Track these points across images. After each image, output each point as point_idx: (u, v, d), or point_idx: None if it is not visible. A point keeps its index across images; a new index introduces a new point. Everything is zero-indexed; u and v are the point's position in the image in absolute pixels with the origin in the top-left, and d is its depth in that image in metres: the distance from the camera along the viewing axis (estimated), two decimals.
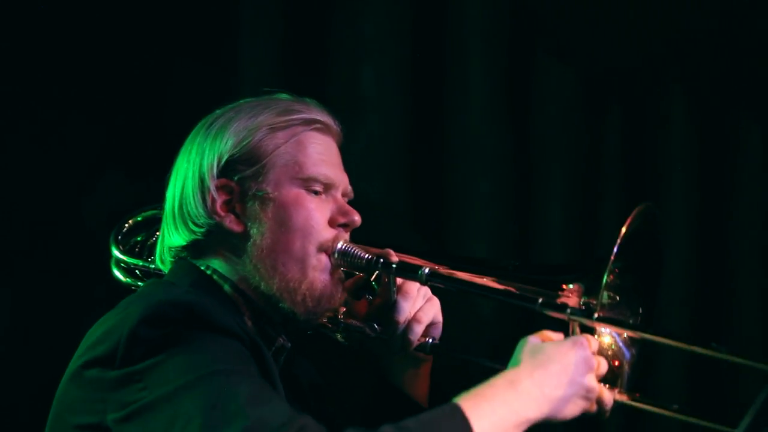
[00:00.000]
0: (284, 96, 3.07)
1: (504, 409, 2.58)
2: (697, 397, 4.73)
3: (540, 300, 2.82)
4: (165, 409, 2.55)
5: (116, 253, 3.42)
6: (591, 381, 2.68)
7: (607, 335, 2.95)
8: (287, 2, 4.37)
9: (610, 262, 2.81)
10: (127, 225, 3.46)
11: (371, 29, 4.47)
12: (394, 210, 3.86)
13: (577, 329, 2.77)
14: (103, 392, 2.64)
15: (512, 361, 2.68)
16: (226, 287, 2.94)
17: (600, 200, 4.78)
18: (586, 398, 2.69)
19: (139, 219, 3.47)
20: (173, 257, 3.02)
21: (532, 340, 2.70)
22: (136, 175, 4.10)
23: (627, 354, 2.96)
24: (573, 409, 2.67)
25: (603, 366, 2.72)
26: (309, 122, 3.00)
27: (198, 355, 2.61)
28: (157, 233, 3.15)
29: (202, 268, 2.95)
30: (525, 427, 2.61)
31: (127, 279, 3.42)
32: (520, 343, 2.70)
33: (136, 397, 2.59)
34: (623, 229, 2.85)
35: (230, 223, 2.93)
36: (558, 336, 2.74)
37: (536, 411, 2.61)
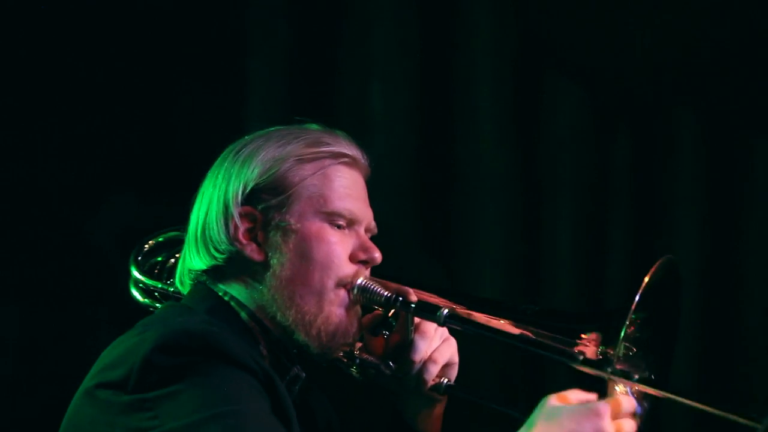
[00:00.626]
0: (314, 126, 3.06)
1: None
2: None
3: (581, 357, 2.79)
4: None
5: (135, 273, 3.40)
6: None
7: (620, 386, 2.92)
8: (295, 21, 4.35)
9: (630, 313, 2.78)
10: (147, 245, 3.44)
11: (379, 49, 4.44)
12: (402, 231, 3.84)
13: (615, 388, 2.74)
14: (113, 415, 2.63)
15: (528, 422, 2.60)
16: (243, 315, 2.92)
17: (609, 223, 4.73)
18: None
19: (160, 239, 3.45)
20: (192, 280, 3.02)
21: (551, 402, 2.61)
22: (144, 196, 4.11)
23: (638, 408, 2.93)
24: None
25: (626, 428, 2.64)
26: (337, 156, 2.99)
27: (211, 390, 2.60)
28: (177, 255, 3.14)
29: (220, 294, 2.94)
30: None
31: (145, 300, 3.40)
32: (540, 403, 2.63)
33: (145, 426, 2.59)
34: (645, 279, 2.82)
35: (251, 251, 2.92)
36: (580, 397, 2.66)
37: None
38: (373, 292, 2.96)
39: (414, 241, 4.42)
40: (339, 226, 2.95)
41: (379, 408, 3.22)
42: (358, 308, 2.98)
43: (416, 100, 4.50)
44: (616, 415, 2.60)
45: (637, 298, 2.78)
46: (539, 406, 2.62)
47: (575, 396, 2.64)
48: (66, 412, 2.81)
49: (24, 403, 4.03)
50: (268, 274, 2.91)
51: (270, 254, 2.91)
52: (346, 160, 3.01)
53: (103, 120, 4.12)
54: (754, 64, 4.57)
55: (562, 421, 2.56)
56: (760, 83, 4.59)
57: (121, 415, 2.62)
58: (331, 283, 2.91)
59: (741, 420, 2.59)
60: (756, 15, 4.52)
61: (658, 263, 2.86)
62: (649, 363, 2.97)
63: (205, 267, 2.97)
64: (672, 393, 2.72)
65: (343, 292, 2.94)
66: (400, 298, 2.98)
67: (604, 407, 2.57)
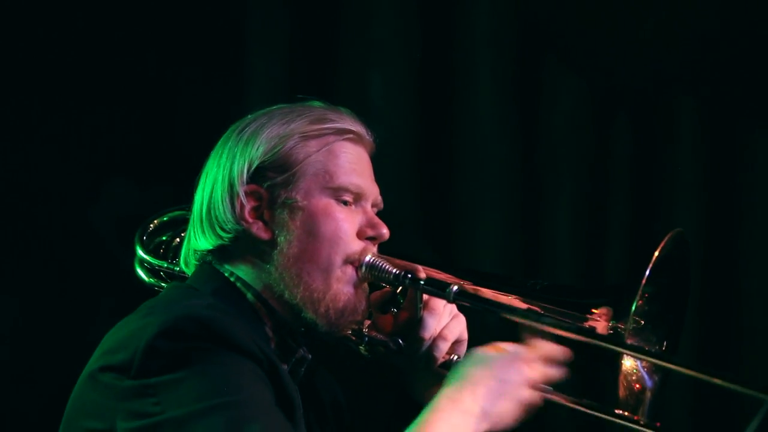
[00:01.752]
0: (317, 104, 3.01)
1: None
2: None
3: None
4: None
5: (140, 252, 3.36)
6: (525, 394, 2.69)
7: (629, 359, 2.89)
8: (295, 11, 4.31)
9: (641, 288, 2.75)
10: (152, 225, 3.40)
11: (379, 39, 4.41)
12: (402, 219, 3.84)
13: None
14: (116, 400, 2.60)
15: (458, 369, 2.73)
16: (249, 295, 2.88)
17: (607, 213, 4.70)
18: (521, 410, 2.70)
19: (165, 219, 3.41)
20: (198, 260, 2.97)
21: (479, 350, 2.75)
22: (143, 183, 4.08)
23: (649, 382, 2.91)
24: (510, 419, 2.69)
25: (541, 374, 2.73)
26: (341, 132, 2.94)
27: (213, 379, 2.56)
28: (183, 234, 3.08)
29: (226, 274, 2.90)
30: None
31: (150, 279, 3.36)
32: (469, 356, 2.75)
33: (149, 411, 2.55)
34: (655, 253, 2.78)
35: (258, 230, 2.87)
36: (507, 347, 2.76)
37: (478, 427, 2.65)
38: (382, 269, 2.91)
39: (414, 230, 4.39)
40: (345, 203, 2.91)
41: (386, 386, 3.19)
42: (366, 285, 2.94)
43: (416, 89, 4.47)
44: (539, 360, 2.73)
45: (647, 272, 2.75)
46: (468, 355, 2.76)
47: (502, 346, 2.75)
48: (70, 396, 2.77)
49: (24, 392, 4.01)
50: (275, 252, 2.86)
51: (277, 232, 2.86)
52: (350, 136, 2.96)
53: (102, 108, 4.10)
54: (754, 53, 4.55)
55: (490, 366, 2.69)
56: (758, 72, 4.57)
57: (124, 399, 2.58)
58: (338, 260, 2.87)
59: (751, 392, 2.56)
60: (755, 5, 4.47)
61: (667, 237, 2.83)
62: (659, 336, 2.94)
63: (210, 247, 2.91)
64: (683, 366, 2.69)
65: (351, 269, 2.89)
66: (409, 275, 2.93)
67: (527, 351, 2.73)
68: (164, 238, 3.40)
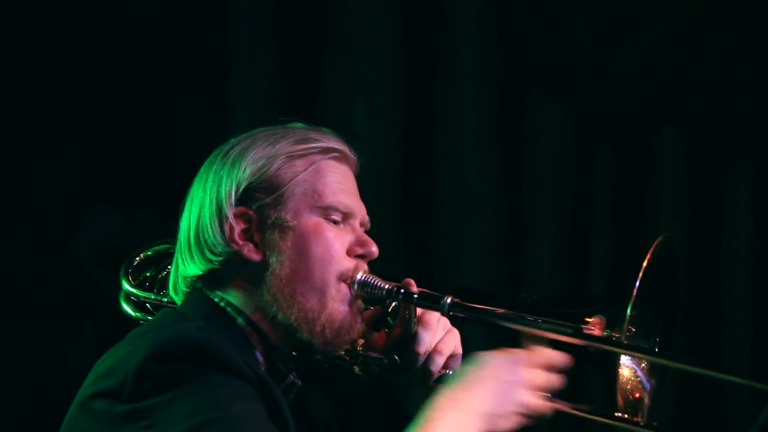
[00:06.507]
0: (299, 125, 2.93)
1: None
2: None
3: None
4: None
5: (126, 286, 3.23)
6: (525, 397, 2.62)
7: (627, 368, 2.82)
8: (280, 38, 4.25)
9: (633, 296, 2.67)
10: (137, 259, 3.27)
11: (364, 66, 4.36)
12: (384, 247, 3.81)
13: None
14: (110, 426, 2.48)
15: (460, 371, 2.66)
16: (240, 320, 2.76)
17: (590, 240, 4.66)
18: (521, 413, 2.62)
19: (149, 253, 3.28)
20: (188, 287, 2.84)
21: (480, 354, 2.67)
22: (127, 209, 3.99)
23: (647, 385, 2.83)
24: (508, 423, 2.61)
25: (541, 378, 2.65)
26: (327, 150, 2.86)
27: (205, 397, 2.45)
28: (168, 267, 2.98)
29: (216, 299, 2.78)
30: None
31: (137, 313, 3.22)
32: (469, 359, 2.67)
33: None
34: (644, 262, 2.71)
35: (248, 251, 2.76)
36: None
37: (476, 427, 2.56)
38: (374, 286, 2.82)
39: (396, 255, 4.30)
40: (335, 222, 2.82)
41: (381, 406, 3.07)
42: (360, 303, 2.83)
43: (400, 118, 4.42)
44: (539, 366, 2.66)
45: (637, 282, 2.68)
46: (469, 359, 2.68)
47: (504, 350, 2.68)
48: (61, 426, 2.65)
49: (6, 416, 3.86)
50: (268, 273, 2.75)
51: (268, 253, 2.76)
52: (335, 154, 2.87)
53: (86, 133, 4.01)
54: (735, 84, 4.55)
55: (491, 367, 2.62)
56: (740, 103, 4.56)
57: (116, 425, 2.47)
58: (332, 279, 2.77)
59: (757, 385, 2.50)
60: (735, 37, 4.49)
61: (655, 244, 2.76)
62: (651, 344, 2.86)
63: (200, 272, 2.80)
64: (683, 363, 2.62)
65: (344, 287, 2.79)
66: (402, 290, 2.84)
67: (527, 356, 2.66)
68: (149, 273, 3.28)
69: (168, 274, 2.97)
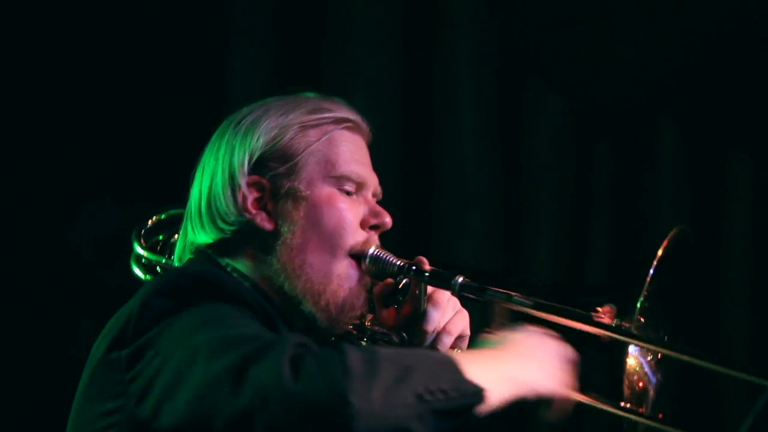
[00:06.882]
0: (311, 94, 2.91)
1: (492, 363, 2.45)
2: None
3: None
4: (174, 362, 2.35)
5: (138, 248, 3.22)
6: (557, 365, 2.56)
7: (633, 357, 2.79)
8: (279, 33, 4.23)
9: (645, 285, 2.65)
10: (150, 222, 3.26)
11: (362, 61, 4.34)
12: (382, 243, 3.82)
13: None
14: (121, 373, 2.43)
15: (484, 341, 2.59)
16: (247, 284, 2.73)
17: (589, 234, 4.64)
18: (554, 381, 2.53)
19: (162, 217, 3.27)
20: (193, 254, 2.82)
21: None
22: (124, 200, 3.97)
23: (653, 378, 2.81)
24: (540, 386, 2.50)
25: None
26: (340, 120, 2.84)
27: (206, 314, 2.41)
28: (178, 233, 2.96)
29: (222, 264, 2.76)
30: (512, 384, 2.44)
31: (147, 276, 3.21)
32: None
33: (150, 366, 2.38)
34: (659, 252, 2.69)
35: (261, 220, 2.74)
36: None
37: (505, 385, 2.43)
38: (385, 261, 2.80)
39: (394, 250, 4.26)
40: (348, 192, 2.80)
41: None
42: (368, 279, 2.81)
43: (398, 112, 4.39)
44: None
45: (651, 271, 2.66)
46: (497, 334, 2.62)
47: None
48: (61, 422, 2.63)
49: (6, 415, 3.85)
50: (279, 242, 2.73)
51: (280, 222, 2.73)
52: (348, 125, 2.85)
53: (83, 126, 3.99)
54: (734, 76, 4.52)
55: (521, 337, 2.57)
56: (739, 96, 4.54)
57: (128, 369, 2.42)
58: (341, 251, 2.75)
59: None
60: (736, 29, 4.45)
61: (670, 235, 2.74)
62: (662, 335, 2.83)
63: (210, 241, 2.77)
64: (691, 355, 2.60)
65: (353, 262, 2.77)
66: (414, 267, 2.82)
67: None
68: (161, 237, 3.27)
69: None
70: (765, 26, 4.46)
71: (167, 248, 3.24)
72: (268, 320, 2.55)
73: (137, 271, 3.23)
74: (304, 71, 4.25)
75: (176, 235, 3.19)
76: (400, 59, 4.40)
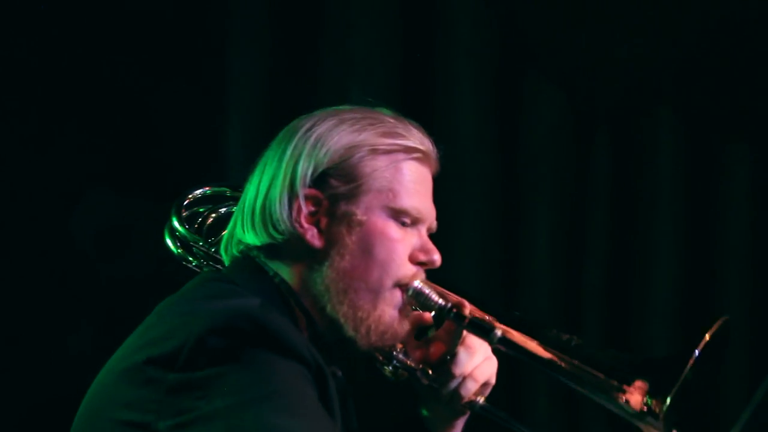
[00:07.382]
0: (387, 112, 2.82)
1: None
2: None
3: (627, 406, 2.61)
4: (219, 424, 2.33)
5: (174, 222, 3.15)
6: None
7: None
8: (276, 25, 4.16)
9: (686, 370, 2.60)
10: (192, 197, 3.20)
11: (360, 52, 4.26)
12: None
13: None
14: (160, 394, 2.39)
15: None
16: (291, 301, 2.69)
17: (587, 226, 4.62)
18: None
19: (208, 192, 3.21)
20: (240, 252, 2.76)
21: None
22: (122, 191, 3.91)
23: None
24: None
25: None
26: (410, 150, 2.75)
27: (262, 373, 2.38)
28: (221, 211, 3.01)
29: (271, 273, 2.70)
30: None
31: (179, 251, 3.14)
32: None
33: (193, 406, 2.35)
34: (706, 337, 2.64)
35: (311, 237, 2.67)
36: None
37: None
38: (428, 298, 2.74)
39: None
40: (404, 224, 2.73)
41: (399, 407, 3.03)
42: (410, 310, 2.76)
43: (397, 104, 4.30)
44: None
45: (696, 353, 2.61)
46: None
47: None
48: (90, 390, 2.59)
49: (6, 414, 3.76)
50: (326, 263, 2.67)
51: (330, 243, 2.67)
52: (418, 155, 2.77)
53: (81, 118, 3.91)
54: (733, 67, 4.49)
55: None
56: (737, 86, 4.52)
57: (168, 394, 2.38)
58: (389, 283, 2.68)
59: None
60: (734, 18, 4.42)
61: (718, 323, 2.68)
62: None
63: (259, 243, 2.71)
64: None
65: (398, 293, 2.71)
66: (455, 309, 2.76)
67: None
68: (201, 210, 3.20)
69: (216, 220, 2.99)
70: (764, 17, 4.42)
71: (204, 226, 3.17)
72: (320, 374, 2.51)
73: (169, 242, 3.16)
74: (301, 66, 4.20)
75: (214, 213, 3.16)
76: (398, 54, 4.34)
